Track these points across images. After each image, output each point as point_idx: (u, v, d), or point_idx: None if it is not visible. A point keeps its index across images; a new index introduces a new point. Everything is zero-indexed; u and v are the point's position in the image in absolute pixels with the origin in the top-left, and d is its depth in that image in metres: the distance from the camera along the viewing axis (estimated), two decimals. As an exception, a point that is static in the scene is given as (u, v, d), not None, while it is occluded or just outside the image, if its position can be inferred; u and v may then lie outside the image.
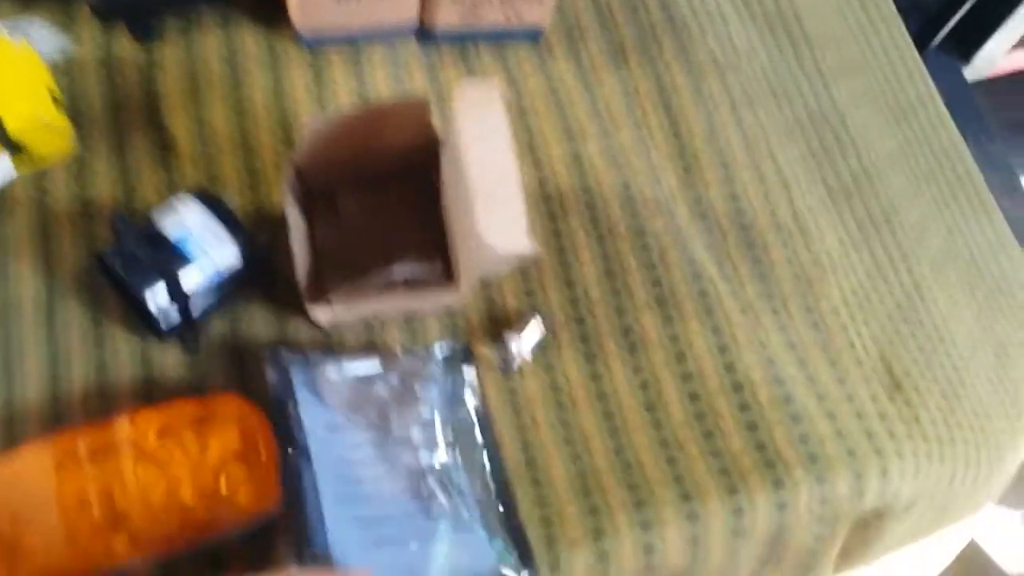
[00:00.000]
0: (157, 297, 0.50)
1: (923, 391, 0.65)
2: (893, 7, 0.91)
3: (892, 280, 0.71)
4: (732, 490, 0.56)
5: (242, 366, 0.55)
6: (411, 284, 0.56)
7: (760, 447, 0.57)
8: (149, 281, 0.50)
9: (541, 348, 0.58)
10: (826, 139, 0.76)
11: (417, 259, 0.57)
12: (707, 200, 0.66)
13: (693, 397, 0.58)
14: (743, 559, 0.58)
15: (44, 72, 0.57)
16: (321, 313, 0.53)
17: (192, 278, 0.51)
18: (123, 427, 0.48)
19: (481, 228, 0.43)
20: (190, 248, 0.51)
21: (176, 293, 0.50)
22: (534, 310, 0.59)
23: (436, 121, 0.54)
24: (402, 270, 0.56)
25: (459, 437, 0.55)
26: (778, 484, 0.56)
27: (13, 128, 0.53)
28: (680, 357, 0.60)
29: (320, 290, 0.56)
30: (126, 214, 0.51)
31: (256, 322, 0.57)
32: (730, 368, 0.59)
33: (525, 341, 0.57)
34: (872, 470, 0.58)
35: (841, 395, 0.61)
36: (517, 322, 0.58)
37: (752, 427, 0.58)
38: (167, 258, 0.50)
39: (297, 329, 0.57)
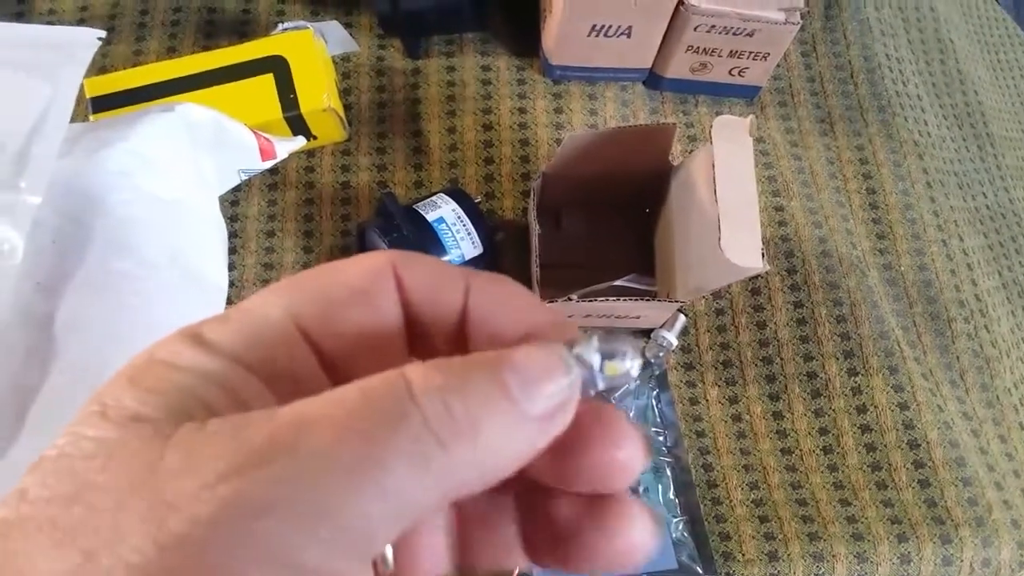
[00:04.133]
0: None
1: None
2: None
3: (1060, 382, 0.73)
4: (902, 538, 0.58)
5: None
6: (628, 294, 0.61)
7: (931, 503, 0.60)
8: (411, 259, 0.56)
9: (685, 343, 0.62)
10: (1003, 236, 0.79)
11: (636, 273, 0.62)
12: (897, 268, 0.69)
13: (870, 447, 0.62)
14: (902, 609, 0.60)
15: (332, 68, 0.65)
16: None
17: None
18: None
19: (723, 243, 0.48)
20: (444, 236, 0.57)
21: (432, 273, 0.56)
22: (680, 312, 0.63)
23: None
24: (624, 280, 0.61)
25: (649, 448, 0.59)
26: (945, 539, 0.58)
27: (305, 110, 0.60)
28: (861, 408, 0.63)
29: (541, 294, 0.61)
30: (393, 192, 0.58)
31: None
32: (909, 426, 0.62)
33: (675, 332, 0.62)
34: (1036, 545, 0.60)
35: (1008, 469, 0.63)
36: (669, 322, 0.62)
37: (925, 484, 0.60)
38: (426, 240, 0.56)
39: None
